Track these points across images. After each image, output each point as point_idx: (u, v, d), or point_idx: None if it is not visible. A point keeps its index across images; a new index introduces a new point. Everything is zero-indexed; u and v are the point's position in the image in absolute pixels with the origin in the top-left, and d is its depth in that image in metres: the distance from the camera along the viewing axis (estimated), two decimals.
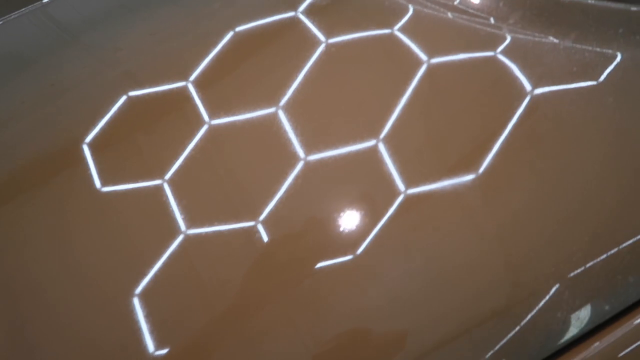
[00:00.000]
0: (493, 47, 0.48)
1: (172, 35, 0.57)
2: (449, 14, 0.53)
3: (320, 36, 0.52)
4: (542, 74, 0.46)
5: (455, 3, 0.53)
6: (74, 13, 0.62)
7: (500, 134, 0.43)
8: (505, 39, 0.49)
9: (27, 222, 0.46)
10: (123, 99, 0.52)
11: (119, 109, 0.51)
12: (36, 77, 0.55)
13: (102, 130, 0.49)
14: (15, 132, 0.51)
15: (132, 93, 0.52)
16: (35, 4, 0.62)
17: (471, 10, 0.53)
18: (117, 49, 0.57)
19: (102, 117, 0.50)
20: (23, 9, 0.62)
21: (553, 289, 0.41)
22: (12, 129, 0.52)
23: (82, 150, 0.48)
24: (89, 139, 0.49)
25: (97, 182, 0.46)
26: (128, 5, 0.61)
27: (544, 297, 0.40)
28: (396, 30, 0.52)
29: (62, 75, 0.55)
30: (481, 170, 0.42)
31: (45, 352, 0.40)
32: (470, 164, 0.43)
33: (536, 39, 0.49)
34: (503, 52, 0.48)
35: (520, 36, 0.49)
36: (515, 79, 0.46)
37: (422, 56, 0.48)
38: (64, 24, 0.62)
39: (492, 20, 0.51)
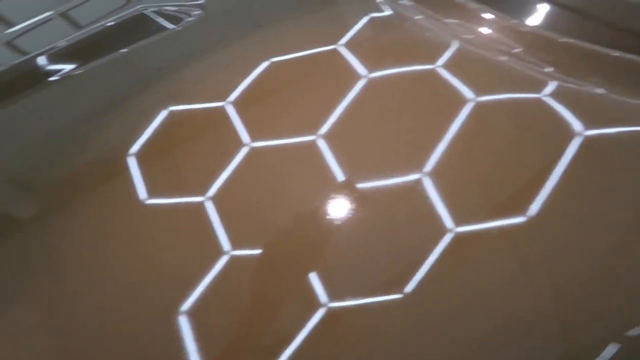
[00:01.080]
0: (538, 90, 0.49)
1: (216, 61, 0.58)
2: (493, 54, 0.54)
3: (362, 69, 0.53)
4: (590, 117, 0.46)
5: (500, 44, 0.54)
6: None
7: (550, 176, 0.43)
8: (548, 82, 0.50)
9: (74, 229, 0.46)
10: (165, 114, 0.52)
11: (163, 124, 0.52)
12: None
13: (148, 143, 0.50)
14: (67, 142, 0.52)
15: (174, 108, 0.53)
16: None
17: (516, 51, 0.54)
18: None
19: (148, 130, 0.51)
20: None
21: (610, 350, 0.38)
22: (65, 140, 0.52)
23: (127, 162, 0.48)
24: (134, 150, 0.49)
25: (142, 194, 0.47)
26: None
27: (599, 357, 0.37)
28: (439, 67, 0.52)
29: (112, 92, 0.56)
30: (533, 212, 0.41)
31: None
32: (520, 205, 0.42)
33: (582, 86, 0.50)
34: (549, 95, 0.48)
35: (566, 82, 0.50)
36: (562, 121, 0.46)
37: (469, 94, 0.49)
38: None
39: (536, 63, 0.53)
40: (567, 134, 0.45)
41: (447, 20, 0.58)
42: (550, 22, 0.55)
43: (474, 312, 0.39)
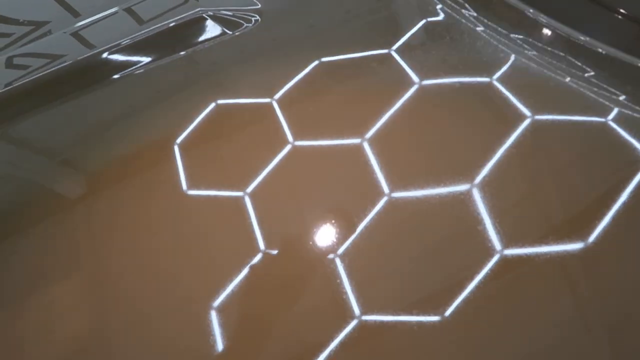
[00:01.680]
0: (602, 114, 0.46)
1: (265, 61, 0.58)
2: (553, 72, 0.51)
3: (414, 76, 0.51)
4: None
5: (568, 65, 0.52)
6: None
7: (612, 202, 0.40)
8: (613, 109, 0.47)
9: (119, 213, 0.46)
10: (212, 106, 0.52)
11: (209, 115, 0.52)
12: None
13: (193, 134, 0.50)
14: (121, 129, 0.53)
15: (221, 101, 0.52)
16: None
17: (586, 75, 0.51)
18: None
19: (194, 121, 0.51)
20: None
21: None
22: (120, 127, 0.53)
23: (174, 150, 0.49)
24: (180, 140, 0.49)
25: (184, 184, 0.46)
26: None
27: None
28: (495, 80, 0.50)
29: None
30: (590, 239, 0.38)
31: (119, 347, 0.40)
32: (576, 230, 0.39)
33: None
34: (613, 120, 0.46)
35: (629, 111, 0.47)
36: (625, 146, 0.44)
37: (525, 110, 0.47)
38: None
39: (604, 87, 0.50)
40: (629, 160, 0.43)
41: (512, 35, 0.56)
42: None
43: (512, 342, 0.37)
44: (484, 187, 0.42)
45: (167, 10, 0.64)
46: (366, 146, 0.47)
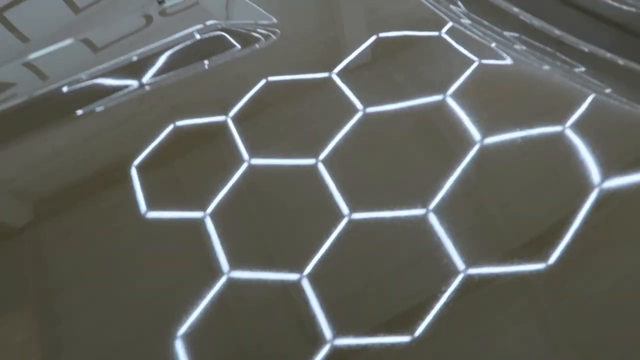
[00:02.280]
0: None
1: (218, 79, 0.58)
2: None
3: (358, 104, 0.52)
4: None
5: None
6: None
7: (572, 222, 0.39)
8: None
9: (74, 240, 0.44)
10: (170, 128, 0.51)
11: (166, 137, 0.50)
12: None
13: (151, 156, 0.49)
14: (76, 153, 0.52)
15: (179, 123, 0.52)
16: None
17: None
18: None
19: (151, 143, 0.50)
20: None
21: None
22: (74, 152, 0.52)
23: (130, 173, 0.47)
24: (137, 162, 0.48)
25: (143, 207, 0.45)
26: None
27: None
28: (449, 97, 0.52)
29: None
30: (551, 260, 0.38)
31: None
32: (538, 251, 0.39)
33: None
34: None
35: None
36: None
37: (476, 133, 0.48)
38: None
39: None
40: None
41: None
42: None
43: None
44: (442, 208, 0.43)
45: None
46: (321, 167, 0.47)
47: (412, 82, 0.55)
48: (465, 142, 0.46)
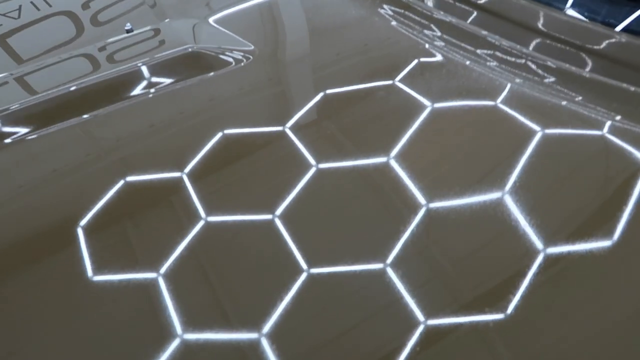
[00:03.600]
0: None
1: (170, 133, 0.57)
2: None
3: (311, 160, 0.52)
4: None
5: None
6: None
7: (526, 275, 0.40)
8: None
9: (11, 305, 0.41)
10: (120, 184, 0.49)
11: (116, 193, 0.49)
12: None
13: (99, 214, 0.47)
14: (14, 212, 0.48)
15: (130, 179, 0.50)
16: None
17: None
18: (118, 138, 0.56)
19: (99, 201, 0.48)
20: None
21: None
22: (12, 209, 0.49)
23: (76, 234, 0.45)
24: (84, 222, 0.46)
25: (89, 270, 0.42)
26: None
27: None
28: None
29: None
30: (510, 309, 0.38)
31: None
32: (496, 300, 0.39)
33: None
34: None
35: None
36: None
37: (419, 197, 0.49)
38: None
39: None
40: None
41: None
42: None
43: None
44: (398, 262, 0.43)
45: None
46: (278, 222, 0.47)
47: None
48: (414, 202, 0.47)
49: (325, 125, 0.58)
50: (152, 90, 0.64)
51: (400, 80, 0.61)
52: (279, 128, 0.56)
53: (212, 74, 0.66)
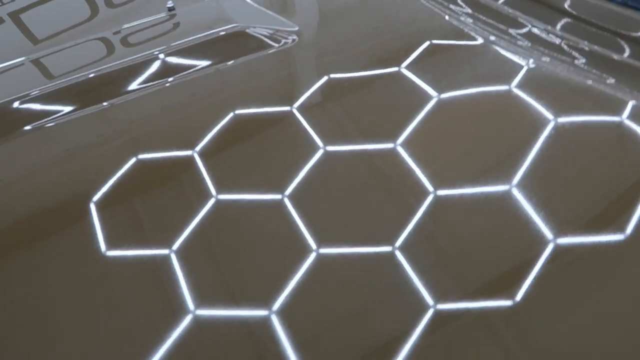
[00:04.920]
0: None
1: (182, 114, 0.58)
2: None
3: (319, 142, 0.53)
4: None
5: None
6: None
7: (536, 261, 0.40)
8: None
9: (32, 278, 0.42)
10: (132, 161, 0.50)
11: (128, 171, 0.49)
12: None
13: (112, 191, 0.47)
14: (27, 190, 0.49)
15: (142, 156, 0.51)
16: None
17: None
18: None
19: (112, 178, 0.48)
20: None
21: None
22: (25, 188, 0.50)
23: (89, 209, 0.45)
24: (97, 198, 0.46)
25: (103, 245, 0.43)
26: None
27: None
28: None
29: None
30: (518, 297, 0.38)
31: None
32: (504, 288, 0.39)
33: None
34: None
35: None
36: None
37: (428, 185, 0.49)
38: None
39: None
40: None
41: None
42: None
43: None
44: (407, 246, 0.43)
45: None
46: (287, 202, 0.47)
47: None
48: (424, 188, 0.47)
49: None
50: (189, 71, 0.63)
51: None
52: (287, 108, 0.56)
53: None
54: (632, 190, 0.45)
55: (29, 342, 0.39)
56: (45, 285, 0.42)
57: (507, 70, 0.58)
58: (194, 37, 0.66)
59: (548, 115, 0.51)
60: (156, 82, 0.60)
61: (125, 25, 0.69)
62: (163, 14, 0.72)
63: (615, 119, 0.51)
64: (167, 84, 0.60)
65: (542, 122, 0.50)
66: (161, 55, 0.64)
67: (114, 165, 0.50)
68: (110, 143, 0.55)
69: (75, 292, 0.42)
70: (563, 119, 0.51)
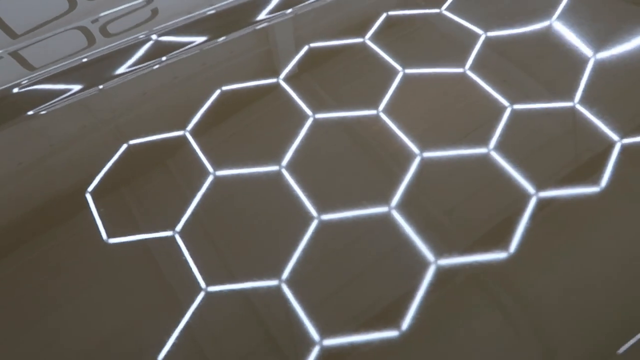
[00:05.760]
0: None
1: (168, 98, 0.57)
2: None
3: (307, 111, 0.52)
4: None
5: None
6: None
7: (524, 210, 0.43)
8: None
9: (37, 271, 0.42)
10: (123, 148, 0.49)
11: (121, 158, 0.49)
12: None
13: (106, 179, 0.47)
14: (17, 186, 0.49)
15: (132, 142, 0.50)
16: None
17: None
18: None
19: (104, 167, 0.48)
20: None
21: None
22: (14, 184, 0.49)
23: (86, 199, 0.45)
24: (92, 188, 0.46)
25: (104, 233, 0.43)
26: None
27: None
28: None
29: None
30: (512, 249, 0.41)
31: None
32: (499, 240, 0.41)
33: None
34: None
35: None
36: None
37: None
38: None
39: None
40: None
41: None
42: None
43: None
44: (403, 206, 0.44)
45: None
46: (285, 172, 0.47)
47: None
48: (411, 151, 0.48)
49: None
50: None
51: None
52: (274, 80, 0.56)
53: None
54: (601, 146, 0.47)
55: (40, 335, 0.39)
56: (53, 276, 0.42)
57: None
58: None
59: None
60: (137, 66, 0.59)
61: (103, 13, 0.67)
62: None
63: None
64: (148, 69, 0.59)
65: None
66: (142, 38, 0.62)
67: (106, 154, 0.49)
68: (97, 132, 0.54)
69: (82, 282, 0.42)
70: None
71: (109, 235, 0.43)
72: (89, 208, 0.45)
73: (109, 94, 0.57)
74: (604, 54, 0.55)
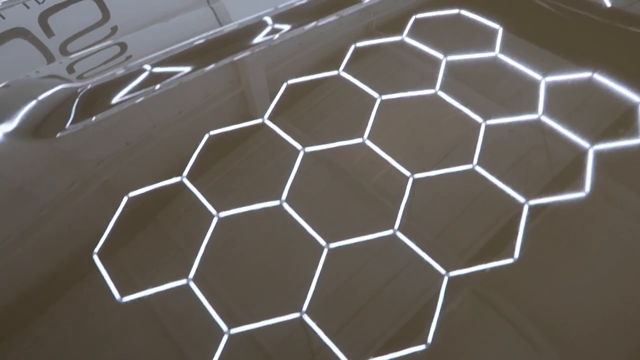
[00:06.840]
0: None
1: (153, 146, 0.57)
2: None
3: (297, 145, 0.54)
4: None
5: None
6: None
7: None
8: None
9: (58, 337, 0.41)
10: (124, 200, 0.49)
11: (124, 212, 0.48)
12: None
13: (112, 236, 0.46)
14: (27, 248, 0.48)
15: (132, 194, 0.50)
16: None
17: None
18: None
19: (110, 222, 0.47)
20: None
21: None
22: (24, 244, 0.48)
23: (93, 260, 0.45)
24: (98, 249, 0.46)
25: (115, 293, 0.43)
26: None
27: None
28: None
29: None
30: (516, 254, 0.44)
31: None
32: (500, 249, 0.44)
33: None
34: None
35: None
36: None
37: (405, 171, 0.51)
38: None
39: None
40: None
41: None
42: None
43: None
44: (406, 227, 0.45)
45: None
46: (286, 206, 0.48)
47: None
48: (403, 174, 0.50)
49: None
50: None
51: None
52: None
53: None
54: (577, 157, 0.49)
55: None
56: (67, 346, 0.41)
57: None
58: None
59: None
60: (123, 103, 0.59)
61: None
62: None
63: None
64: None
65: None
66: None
67: (107, 211, 0.49)
68: (91, 187, 0.53)
69: (99, 344, 0.41)
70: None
71: (122, 294, 0.43)
72: (97, 268, 0.45)
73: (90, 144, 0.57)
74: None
